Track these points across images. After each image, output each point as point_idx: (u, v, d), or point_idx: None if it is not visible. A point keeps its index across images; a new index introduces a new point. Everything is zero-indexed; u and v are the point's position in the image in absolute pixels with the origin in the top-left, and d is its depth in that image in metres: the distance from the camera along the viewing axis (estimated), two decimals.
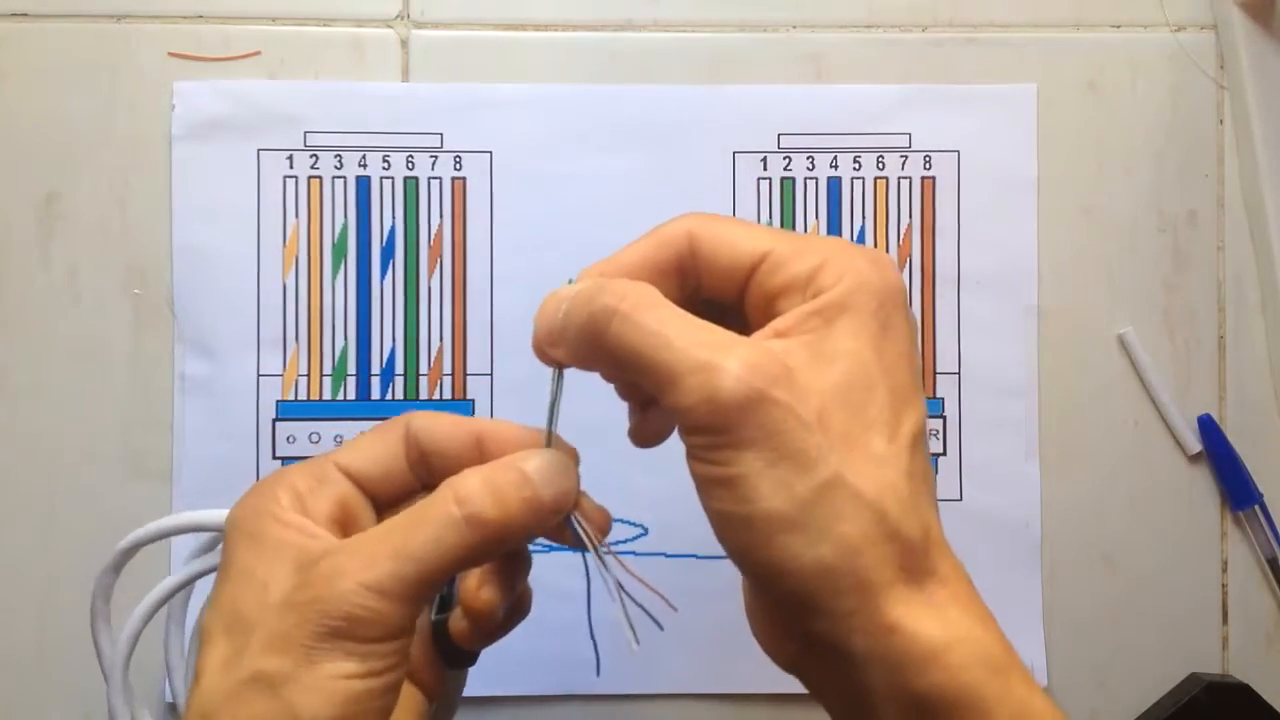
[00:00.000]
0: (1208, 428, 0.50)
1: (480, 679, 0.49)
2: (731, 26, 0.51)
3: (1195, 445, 0.51)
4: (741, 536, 0.29)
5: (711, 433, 0.28)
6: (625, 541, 0.49)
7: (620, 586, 0.32)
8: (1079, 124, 0.51)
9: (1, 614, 0.49)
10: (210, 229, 0.49)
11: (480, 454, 0.32)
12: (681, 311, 0.29)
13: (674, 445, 0.51)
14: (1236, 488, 0.50)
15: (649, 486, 0.48)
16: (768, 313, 0.31)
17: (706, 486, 0.29)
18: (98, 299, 0.49)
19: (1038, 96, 0.51)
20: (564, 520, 0.31)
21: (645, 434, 0.34)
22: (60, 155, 0.49)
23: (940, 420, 0.50)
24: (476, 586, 0.33)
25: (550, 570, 0.49)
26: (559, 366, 0.32)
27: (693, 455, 0.29)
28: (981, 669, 0.28)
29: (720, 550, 0.46)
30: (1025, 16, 0.51)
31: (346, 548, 0.30)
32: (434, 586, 0.30)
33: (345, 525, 0.32)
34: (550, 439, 0.32)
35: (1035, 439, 0.50)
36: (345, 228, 0.50)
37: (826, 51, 0.51)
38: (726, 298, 0.32)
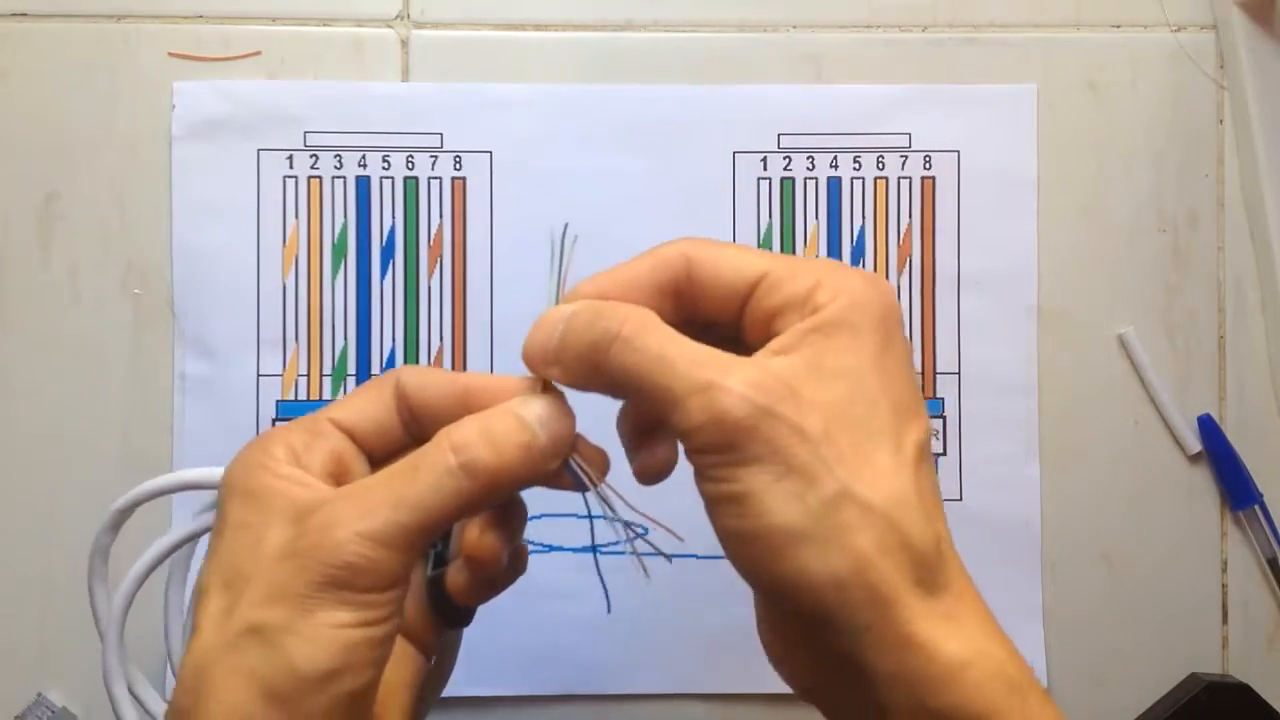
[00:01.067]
0: (1208, 428, 0.50)
1: (480, 679, 0.49)
2: (731, 26, 0.51)
3: (1195, 445, 0.51)
4: (753, 552, 0.29)
5: (718, 451, 0.28)
6: (625, 542, 0.49)
7: (628, 525, 0.32)
8: (1079, 124, 0.51)
9: (2, 613, 0.49)
10: (210, 229, 0.49)
11: (468, 408, 0.32)
12: (680, 335, 0.30)
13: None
14: (1236, 488, 0.50)
15: (649, 487, 0.48)
16: (766, 333, 0.31)
17: (716, 505, 0.29)
18: (98, 299, 0.49)
19: (1038, 96, 0.51)
20: (562, 465, 0.31)
21: (649, 470, 0.34)
22: (60, 155, 0.49)
23: (940, 420, 0.50)
24: (479, 534, 0.33)
25: (550, 570, 0.49)
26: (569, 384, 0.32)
27: (701, 475, 0.29)
28: (1000, 687, 0.28)
29: (719, 550, 0.46)
30: (1025, 16, 0.51)
31: (343, 496, 0.30)
32: (431, 535, 0.30)
33: (340, 478, 0.32)
34: (544, 384, 0.32)
35: (1035, 439, 0.50)
36: (345, 228, 0.50)
37: (826, 51, 0.51)
38: (724, 320, 0.32)
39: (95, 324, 0.49)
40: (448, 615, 0.35)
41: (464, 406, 0.32)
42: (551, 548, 0.49)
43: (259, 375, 0.49)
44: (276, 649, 0.28)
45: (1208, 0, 0.51)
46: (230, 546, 0.30)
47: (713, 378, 0.28)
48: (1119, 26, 0.52)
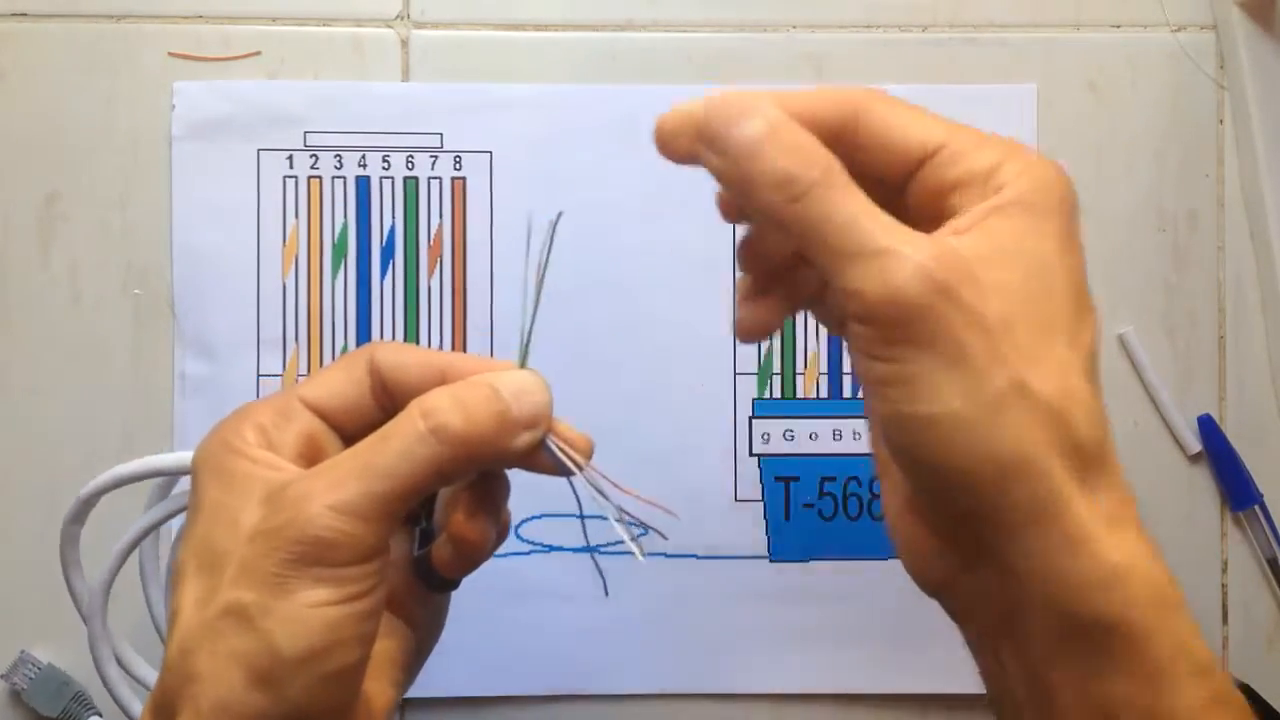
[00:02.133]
0: (1208, 428, 0.50)
1: (479, 679, 0.49)
2: (731, 26, 0.51)
3: (1195, 445, 0.51)
4: (917, 439, 0.27)
5: (888, 325, 0.27)
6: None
7: (621, 510, 0.32)
8: (1079, 124, 0.51)
9: (1, 613, 0.49)
10: (210, 229, 0.49)
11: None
12: (867, 199, 0.28)
13: (675, 444, 0.51)
14: (1236, 488, 0.50)
15: (650, 487, 0.48)
16: (937, 207, 0.29)
17: (878, 387, 0.28)
18: (98, 299, 0.49)
19: (1038, 96, 0.51)
20: (542, 446, 0.31)
21: (751, 329, 0.32)
22: (60, 155, 0.49)
23: None
24: (467, 517, 0.33)
25: (549, 570, 0.49)
26: (688, 162, 0.30)
27: (863, 352, 0.28)
28: (1154, 601, 0.27)
29: (719, 550, 0.47)
30: (1025, 16, 0.51)
31: (313, 472, 0.29)
32: (405, 502, 0.29)
33: (312, 459, 0.31)
34: (524, 360, 0.31)
35: None
36: (345, 228, 0.50)
37: (826, 51, 0.51)
38: (889, 183, 0.30)
39: (95, 324, 0.49)
40: (433, 584, 0.35)
41: (441, 385, 0.31)
42: (551, 548, 0.49)
43: (259, 375, 0.49)
44: (256, 631, 0.28)
45: (1208, 0, 0.51)
46: (204, 529, 0.30)
47: (895, 246, 0.27)
48: (1119, 26, 0.52)
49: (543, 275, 0.32)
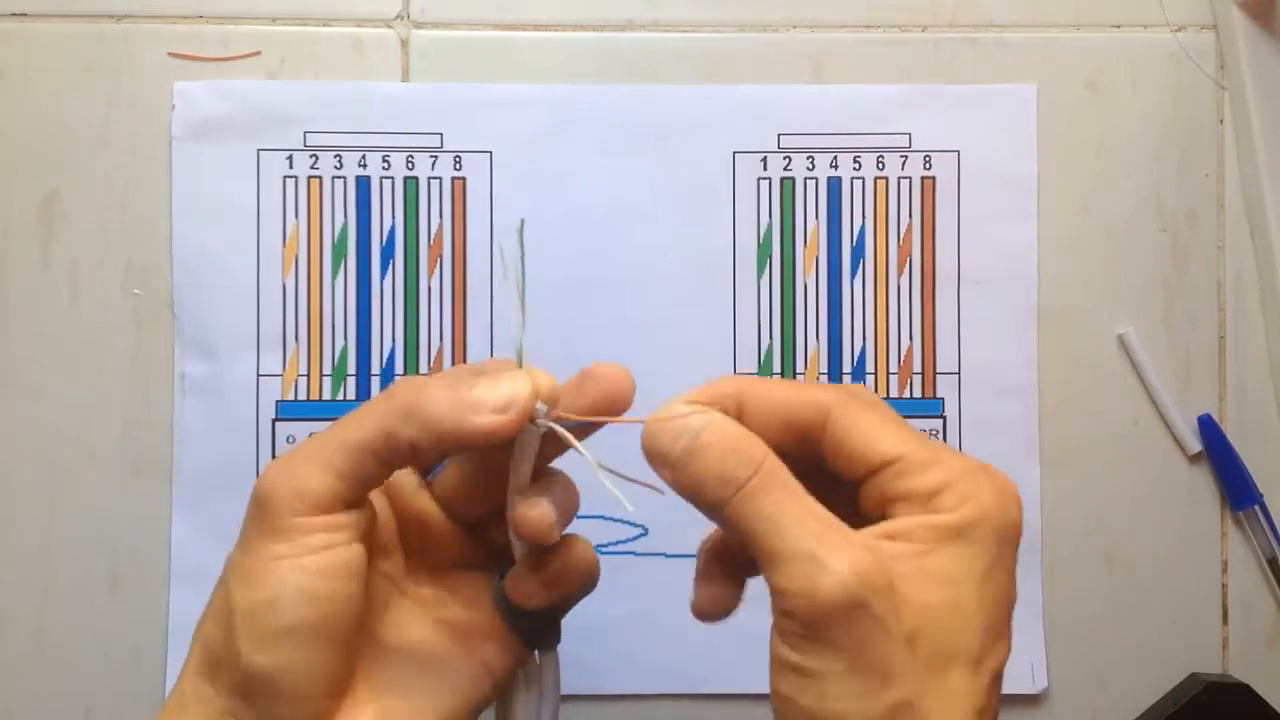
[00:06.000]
0: (1208, 428, 0.50)
1: None
2: (731, 26, 0.51)
3: (1195, 445, 0.51)
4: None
5: (803, 624, 0.28)
6: (625, 542, 0.49)
7: (613, 472, 0.32)
8: (1079, 124, 0.51)
9: (1, 613, 0.49)
10: (210, 229, 0.49)
11: None
12: (803, 494, 0.30)
13: None
14: (1236, 488, 0.50)
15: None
16: (881, 507, 0.31)
17: (782, 669, 0.29)
18: (98, 299, 0.49)
19: (1038, 96, 0.51)
20: (527, 428, 0.31)
21: (707, 610, 0.34)
22: (60, 155, 0.49)
23: (940, 420, 0.50)
24: (526, 506, 0.33)
25: None
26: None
27: (783, 639, 0.29)
28: None
29: None
30: (1025, 16, 0.51)
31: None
32: (352, 458, 0.30)
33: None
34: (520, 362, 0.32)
35: (1035, 439, 0.50)
36: (345, 228, 0.50)
37: (826, 51, 0.51)
38: (843, 481, 0.32)
39: (95, 324, 0.49)
40: (522, 629, 0.35)
41: None
42: None
43: (259, 375, 0.49)
44: (225, 586, 0.31)
45: (1208, 0, 0.51)
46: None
47: (818, 551, 0.28)
48: (1119, 26, 0.52)
49: (523, 280, 0.32)
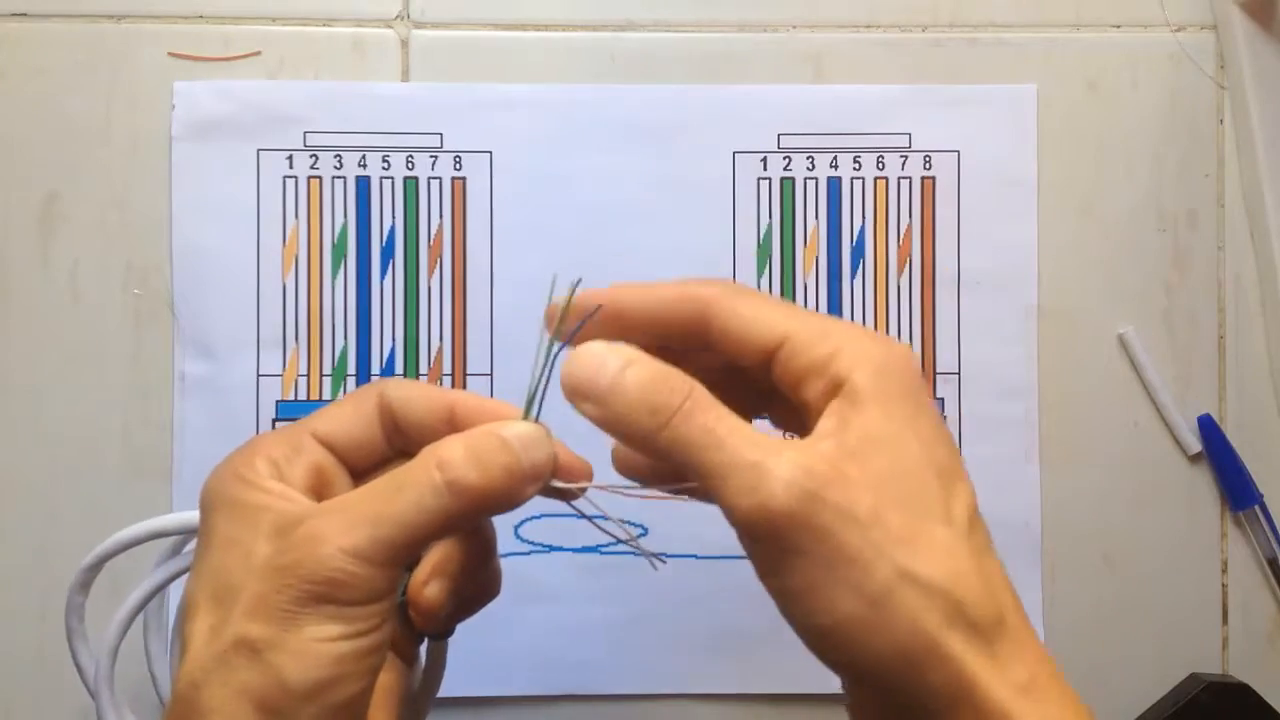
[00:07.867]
0: (1208, 428, 0.50)
1: (480, 679, 0.49)
2: (731, 26, 0.51)
3: (1195, 445, 0.51)
4: (827, 645, 0.29)
5: (768, 539, 0.28)
6: (625, 541, 0.49)
7: (624, 524, 0.32)
8: (1079, 124, 0.51)
9: (1, 613, 0.49)
10: (210, 229, 0.49)
11: (452, 425, 0.32)
12: (732, 414, 0.30)
13: None
14: (1236, 488, 0.50)
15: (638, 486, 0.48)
16: (797, 392, 0.31)
17: (782, 601, 0.29)
18: (98, 299, 0.49)
19: (1038, 96, 0.51)
20: (545, 488, 0.31)
21: (626, 458, 0.34)
22: (60, 155, 0.49)
23: None
24: (424, 581, 0.33)
25: (549, 570, 0.49)
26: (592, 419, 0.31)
27: (757, 570, 0.29)
28: None
29: (719, 550, 0.47)
30: (1025, 16, 0.51)
31: (326, 510, 0.30)
32: (412, 550, 0.30)
33: (321, 492, 0.32)
34: (528, 412, 0.32)
35: (1035, 439, 0.50)
36: (345, 228, 0.50)
37: (826, 51, 0.51)
38: (752, 375, 0.32)
39: (95, 324, 0.49)
40: (425, 632, 0.36)
41: (449, 424, 0.32)
42: (551, 548, 0.49)
43: (259, 375, 0.49)
44: (265, 664, 0.28)
45: (1208, 0, 0.51)
46: (216, 560, 0.30)
47: (760, 458, 0.28)
48: (1119, 26, 0.52)
49: (557, 346, 0.32)
